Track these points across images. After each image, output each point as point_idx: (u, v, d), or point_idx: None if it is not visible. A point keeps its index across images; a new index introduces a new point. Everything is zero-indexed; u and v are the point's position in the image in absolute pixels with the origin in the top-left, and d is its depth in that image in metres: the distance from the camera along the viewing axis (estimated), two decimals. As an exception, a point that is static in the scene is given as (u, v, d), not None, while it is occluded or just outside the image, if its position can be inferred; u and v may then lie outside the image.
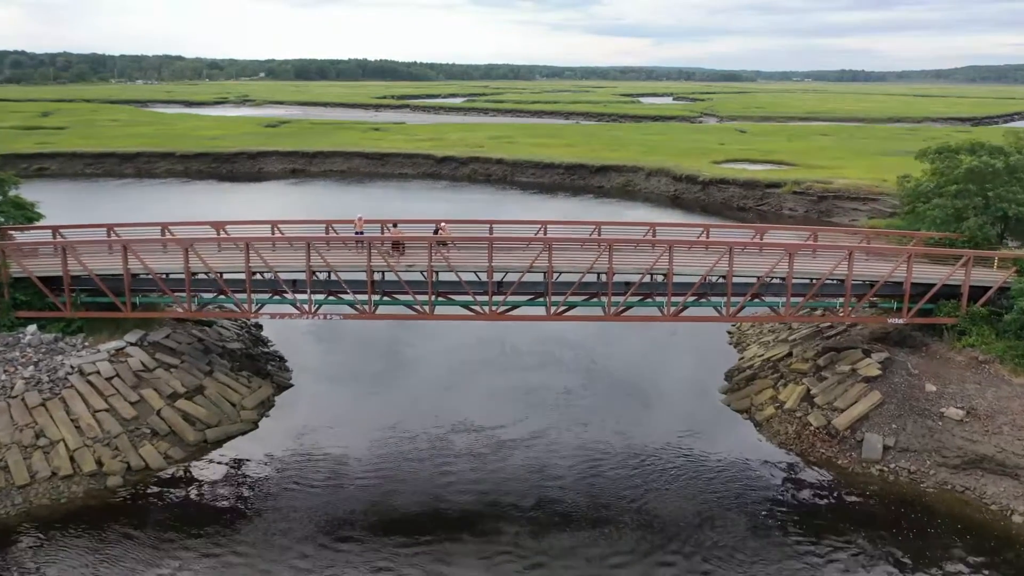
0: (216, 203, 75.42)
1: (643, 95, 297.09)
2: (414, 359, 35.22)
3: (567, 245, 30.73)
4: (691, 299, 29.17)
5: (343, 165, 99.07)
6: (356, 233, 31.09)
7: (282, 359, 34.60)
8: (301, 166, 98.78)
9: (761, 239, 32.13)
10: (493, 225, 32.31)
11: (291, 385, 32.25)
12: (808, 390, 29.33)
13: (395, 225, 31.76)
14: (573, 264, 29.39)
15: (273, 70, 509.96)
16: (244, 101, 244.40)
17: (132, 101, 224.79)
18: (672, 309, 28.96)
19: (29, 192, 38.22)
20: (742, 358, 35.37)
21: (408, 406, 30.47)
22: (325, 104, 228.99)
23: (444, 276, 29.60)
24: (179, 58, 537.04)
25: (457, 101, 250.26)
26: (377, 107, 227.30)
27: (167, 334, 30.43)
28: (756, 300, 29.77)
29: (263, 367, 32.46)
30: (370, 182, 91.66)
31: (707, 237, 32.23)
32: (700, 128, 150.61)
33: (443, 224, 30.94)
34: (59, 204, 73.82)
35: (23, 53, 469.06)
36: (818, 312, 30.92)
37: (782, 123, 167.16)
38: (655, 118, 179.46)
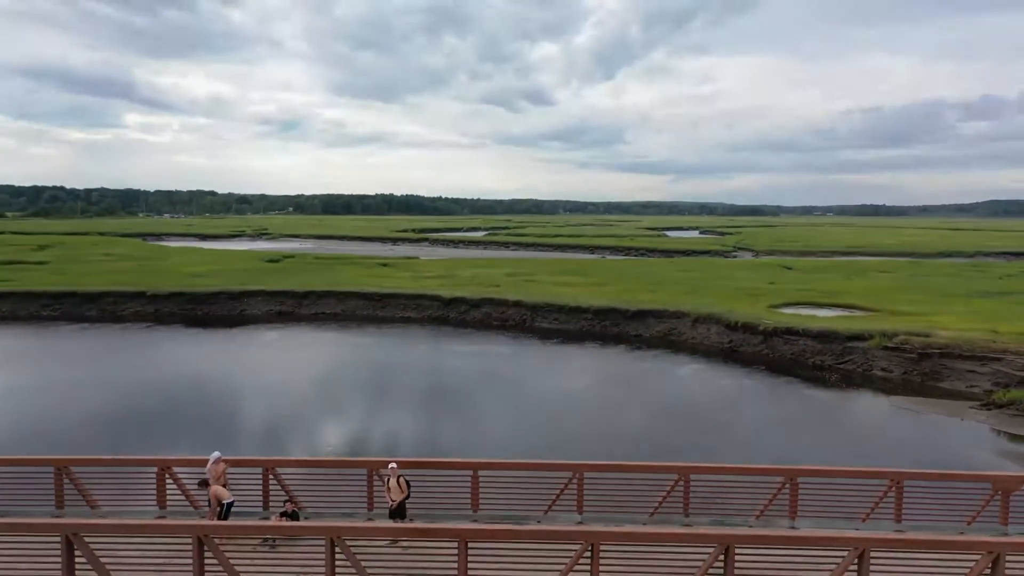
0: (140, 367, 61.44)
1: (669, 229, 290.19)
2: None
3: (627, 543, 15.04)
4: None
5: (337, 307, 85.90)
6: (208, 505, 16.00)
7: None
8: (289, 308, 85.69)
9: None
10: (478, 471, 16.78)
11: None
12: None
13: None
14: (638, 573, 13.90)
15: (301, 204, 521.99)
16: (260, 234, 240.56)
17: (145, 234, 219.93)
18: None
19: None
20: None
21: None
22: (342, 237, 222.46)
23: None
24: (211, 193, 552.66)
25: (478, 235, 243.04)
26: (395, 240, 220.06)
27: None
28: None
29: None
30: (365, 328, 77.83)
31: (899, 494, 16.38)
32: (739, 264, 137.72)
33: (392, 466, 15.79)
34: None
35: (62, 188, 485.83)
36: None
37: (825, 258, 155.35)
38: (686, 252, 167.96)
